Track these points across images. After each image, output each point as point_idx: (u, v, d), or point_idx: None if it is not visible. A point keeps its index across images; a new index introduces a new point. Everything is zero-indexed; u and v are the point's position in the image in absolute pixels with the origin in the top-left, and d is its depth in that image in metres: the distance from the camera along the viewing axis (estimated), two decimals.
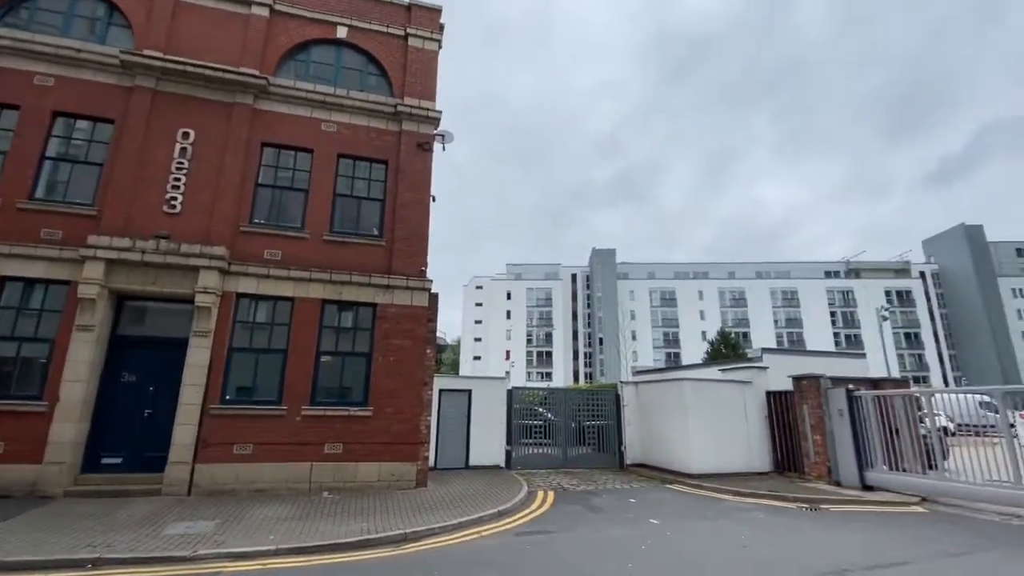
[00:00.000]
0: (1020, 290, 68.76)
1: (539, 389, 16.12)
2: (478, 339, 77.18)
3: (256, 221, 10.53)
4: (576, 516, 8.50)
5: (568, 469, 13.54)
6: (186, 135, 10.26)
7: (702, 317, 72.52)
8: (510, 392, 13.96)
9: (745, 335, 66.40)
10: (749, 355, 16.33)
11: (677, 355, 70.03)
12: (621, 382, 15.57)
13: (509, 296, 78.36)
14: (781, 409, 13.04)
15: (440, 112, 11.98)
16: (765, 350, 14.93)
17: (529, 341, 76.53)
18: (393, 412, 10.19)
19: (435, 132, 12.07)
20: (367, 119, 11.65)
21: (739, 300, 73.59)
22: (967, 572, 5.95)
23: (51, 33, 10.26)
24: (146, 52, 10.29)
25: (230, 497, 8.77)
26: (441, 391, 12.94)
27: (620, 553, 6.46)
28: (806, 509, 9.37)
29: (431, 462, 11.75)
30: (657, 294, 75.36)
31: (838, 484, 11.02)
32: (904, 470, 10.23)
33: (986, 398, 11.51)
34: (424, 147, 11.80)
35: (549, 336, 76.87)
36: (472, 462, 12.97)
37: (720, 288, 74.55)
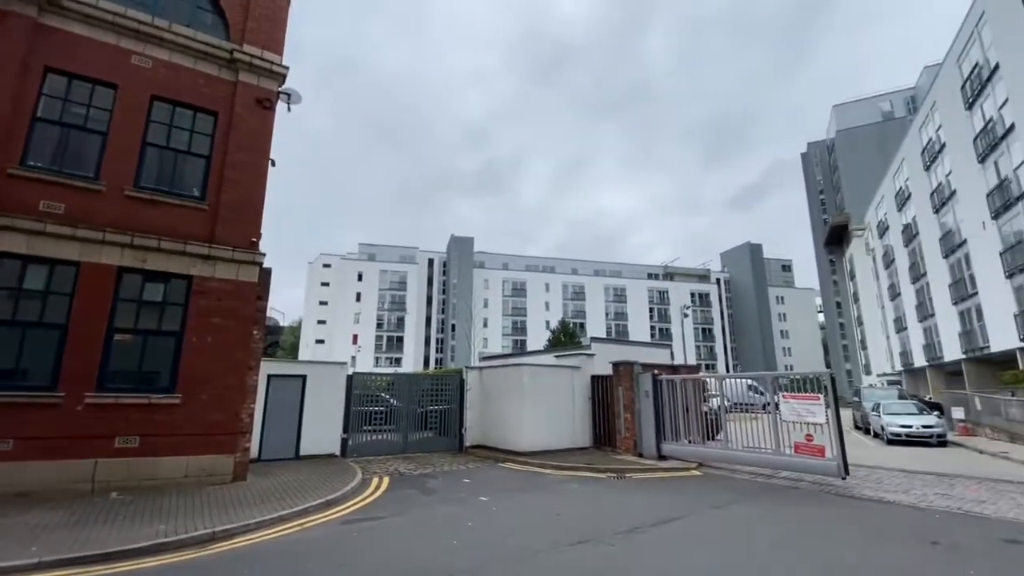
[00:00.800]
0: (781, 297, 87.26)
1: (384, 374, 15.74)
2: (322, 322, 72.37)
3: (31, 164, 8.40)
4: (409, 499, 8.56)
5: (408, 454, 13.52)
6: None
7: (547, 308, 77.96)
8: (351, 378, 13.38)
9: (582, 325, 73.24)
10: (582, 344, 18.08)
11: (524, 342, 74.24)
12: (466, 367, 16.00)
13: (360, 277, 74.70)
14: (602, 391, 14.70)
15: (287, 68, 10.85)
16: (594, 339, 16.66)
17: (380, 325, 74.09)
18: (208, 399, 9.05)
19: (279, 89, 10.90)
20: (193, 61, 10.02)
21: (579, 294, 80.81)
22: (724, 519, 7.45)
23: None
24: None
25: None
26: (270, 376, 11.86)
27: (448, 531, 6.69)
28: (614, 478, 10.75)
29: (254, 453, 10.75)
30: (509, 284, 78.84)
31: (641, 455, 12.86)
32: (690, 441, 12.34)
33: (754, 382, 14.43)
34: (264, 104, 10.58)
35: (401, 321, 75.32)
36: (304, 452, 12.17)
37: (564, 282, 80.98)
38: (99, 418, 8.18)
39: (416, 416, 14.20)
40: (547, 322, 72.12)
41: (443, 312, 79.09)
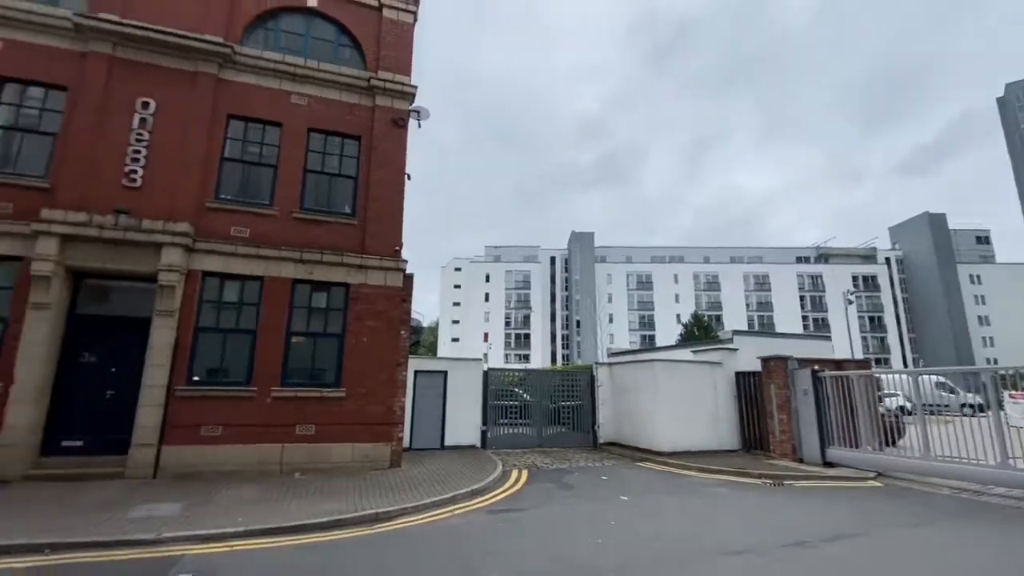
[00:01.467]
0: (977, 276, 71.80)
1: (516, 370, 16.20)
2: (456, 321, 77.02)
3: (222, 197, 10.15)
4: (549, 494, 8.62)
5: (543, 448, 13.72)
6: (146, 105, 9.75)
7: (677, 300, 73.78)
8: (486, 373, 13.98)
9: (718, 318, 67.99)
10: (721, 337, 16.69)
11: (652, 337, 71.27)
12: (596, 363, 15.75)
13: (488, 279, 78.17)
14: (750, 389, 13.39)
15: (415, 87, 11.67)
16: (736, 332, 15.26)
17: (508, 323, 76.73)
18: (366, 393, 10.09)
19: (410, 108, 11.76)
20: (339, 93, 11.26)
21: (713, 284, 75.05)
22: (922, 541, 6.26)
23: None
24: (101, 16, 9.68)
25: (197, 480, 8.61)
26: (416, 372, 12.87)
27: (591, 529, 6.58)
28: (770, 484, 9.70)
29: (406, 443, 11.73)
30: (634, 277, 76.23)
31: (801, 461, 11.44)
32: (862, 447, 10.66)
33: (945, 379, 12.04)
34: (398, 123, 11.50)
35: (527, 319, 77.19)
36: (448, 442, 13.01)
37: (695, 272, 75.81)
38: (283, 409, 9.58)
39: (549, 411, 14.36)
40: (677, 316, 68.34)
41: (567, 308, 79.29)
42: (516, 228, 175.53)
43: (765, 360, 12.85)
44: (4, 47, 9.30)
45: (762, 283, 74.72)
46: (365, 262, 10.55)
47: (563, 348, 78.21)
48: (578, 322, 74.74)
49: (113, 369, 9.16)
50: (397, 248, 10.94)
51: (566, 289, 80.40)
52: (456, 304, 77.82)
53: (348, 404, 9.95)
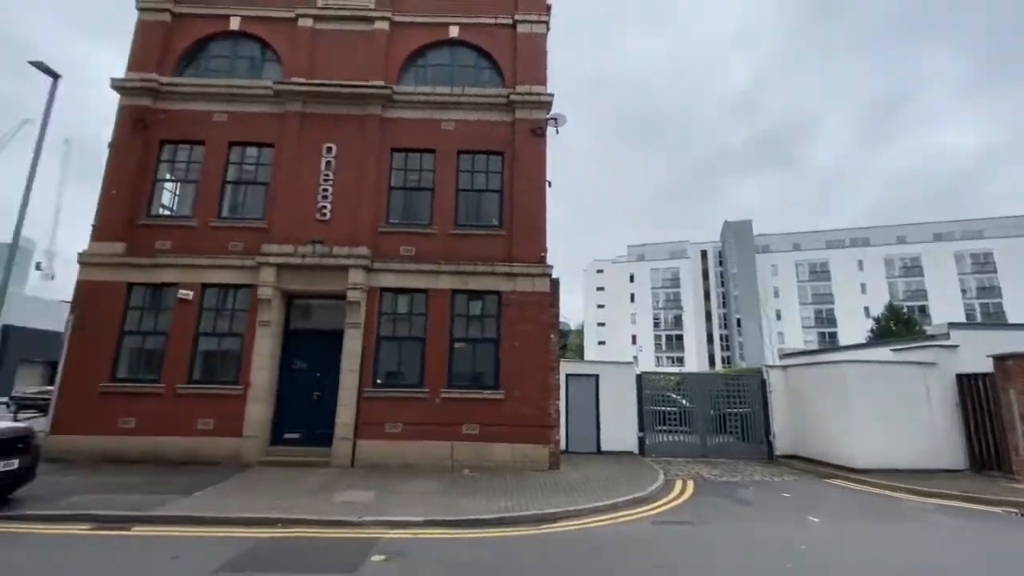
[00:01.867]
0: None
1: (671, 374, 15.36)
2: (601, 324, 75.99)
3: (392, 221, 11.47)
4: (720, 508, 7.94)
5: (708, 459, 12.73)
6: (329, 149, 11.51)
7: (863, 290, 62.95)
8: (639, 377, 13.50)
9: (921, 309, 56.18)
10: (929, 332, 13.71)
11: (832, 335, 61.86)
12: (767, 366, 14.18)
13: (632, 279, 75.90)
14: (978, 395, 10.80)
15: (551, 95, 11.86)
16: (952, 325, 12.40)
17: (656, 324, 73.43)
18: (521, 396, 10.46)
19: (547, 116, 11.98)
20: (482, 113, 11.97)
21: (912, 268, 62.35)
22: None
23: (222, 76, 12.17)
24: (293, 79, 11.71)
25: (384, 471, 9.77)
26: (568, 376, 12.97)
27: (774, 551, 5.88)
28: (1016, 515, 7.65)
29: (562, 446, 11.86)
30: (805, 267, 67.03)
31: None
32: None
33: None
34: (537, 132, 11.78)
35: (679, 319, 72.99)
36: (604, 447, 12.83)
37: (887, 256, 63.75)
38: (450, 409, 10.40)
39: (712, 418, 13.30)
40: (865, 309, 58.42)
41: (724, 306, 72.99)
42: (660, 225, 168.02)
43: (1001, 358, 10.24)
44: (229, 118, 11.76)
45: (983, 263, 59.82)
46: (513, 270, 11.00)
47: (722, 349, 72.09)
48: (738, 320, 68.35)
49: (317, 374, 10.90)
50: (542, 254, 11.19)
51: (721, 285, 74.16)
52: (600, 307, 76.92)
53: (506, 406, 10.42)
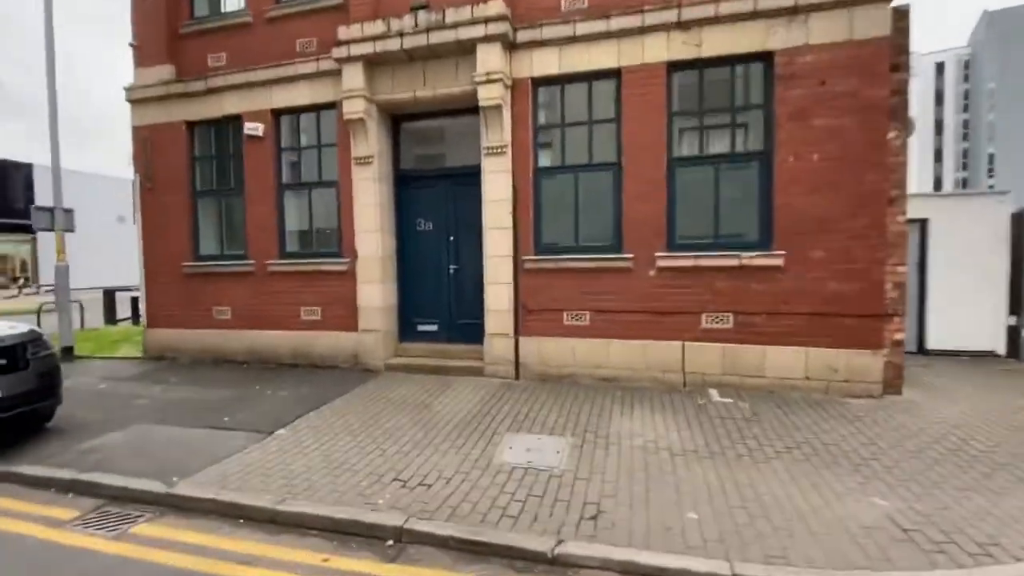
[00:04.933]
0: None
1: None
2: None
3: None
4: None
5: None
6: None
7: None
8: (1018, 217, 7.20)
9: None
10: None
11: None
12: None
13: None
14: None
15: None
16: None
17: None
18: (824, 258, 5.32)
19: None
20: None
21: None
22: None
23: None
24: None
25: (570, 386, 5.86)
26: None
27: None
28: None
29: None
30: None
31: None
32: None
33: None
34: None
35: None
36: (932, 344, 7.36)
37: None
38: (676, 288, 5.79)
39: None
40: None
41: (965, 110, 52.55)
42: None
43: None
44: None
45: None
46: (801, 1, 5.22)
47: (957, 170, 53.07)
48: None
49: (451, 238, 7.00)
50: None
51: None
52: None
53: (788, 278, 5.44)
